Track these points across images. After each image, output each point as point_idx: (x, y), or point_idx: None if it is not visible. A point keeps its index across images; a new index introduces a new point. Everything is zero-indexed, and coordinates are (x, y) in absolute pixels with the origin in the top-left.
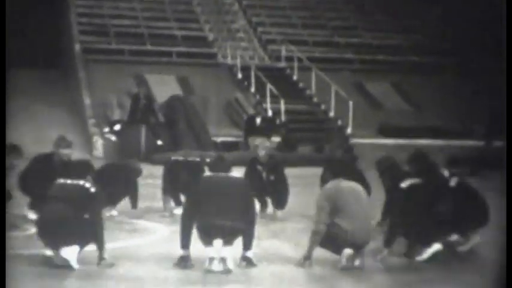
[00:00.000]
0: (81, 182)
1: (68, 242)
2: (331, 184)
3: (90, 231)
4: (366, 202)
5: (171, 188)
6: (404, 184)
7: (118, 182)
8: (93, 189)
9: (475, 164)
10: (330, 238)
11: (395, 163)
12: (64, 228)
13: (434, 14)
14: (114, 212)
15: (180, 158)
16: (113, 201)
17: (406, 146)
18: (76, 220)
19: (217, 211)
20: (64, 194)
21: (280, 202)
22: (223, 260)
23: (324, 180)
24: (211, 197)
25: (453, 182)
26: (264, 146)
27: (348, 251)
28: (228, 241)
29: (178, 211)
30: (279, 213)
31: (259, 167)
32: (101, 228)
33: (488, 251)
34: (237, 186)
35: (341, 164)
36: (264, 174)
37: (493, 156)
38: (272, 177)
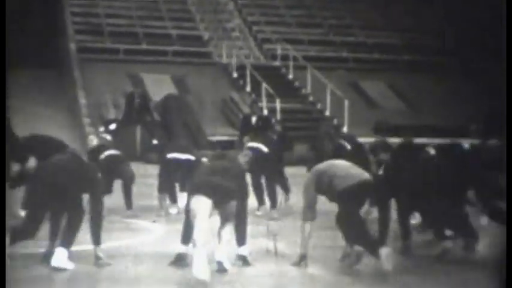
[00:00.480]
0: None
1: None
2: (316, 166)
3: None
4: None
5: (167, 186)
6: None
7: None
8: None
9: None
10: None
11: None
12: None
13: (429, 12)
14: None
15: (176, 156)
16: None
17: None
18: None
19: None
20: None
21: (271, 202)
22: (219, 263)
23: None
24: (210, 176)
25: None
26: (244, 154)
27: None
28: (218, 202)
29: (174, 210)
30: (275, 213)
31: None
32: (99, 224)
33: (489, 251)
34: (236, 167)
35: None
36: (258, 172)
37: (490, 154)
38: (266, 173)
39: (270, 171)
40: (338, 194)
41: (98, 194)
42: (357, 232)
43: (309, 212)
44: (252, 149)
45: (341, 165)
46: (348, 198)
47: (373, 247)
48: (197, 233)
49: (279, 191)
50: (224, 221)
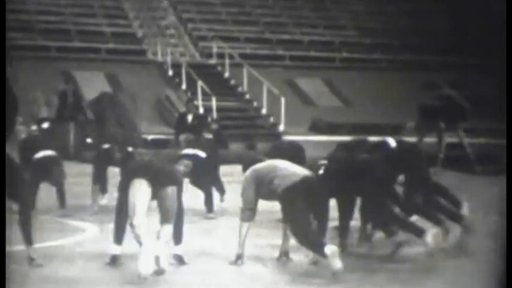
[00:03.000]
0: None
1: None
2: (253, 167)
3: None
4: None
5: (100, 176)
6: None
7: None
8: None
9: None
10: None
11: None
12: None
13: (364, 9)
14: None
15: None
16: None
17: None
18: None
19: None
20: None
21: (207, 203)
22: (156, 258)
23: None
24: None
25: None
26: (185, 164)
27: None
28: (158, 186)
29: (104, 200)
30: (211, 214)
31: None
32: (29, 225)
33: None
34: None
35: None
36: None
37: (425, 151)
38: (200, 174)
39: (206, 176)
40: (281, 193)
41: (24, 195)
42: (303, 232)
43: (248, 212)
44: (188, 156)
45: (282, 164)
46: (292, 197)
47: (319, 247)
48: (139, 229)
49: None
50: (164, 219)
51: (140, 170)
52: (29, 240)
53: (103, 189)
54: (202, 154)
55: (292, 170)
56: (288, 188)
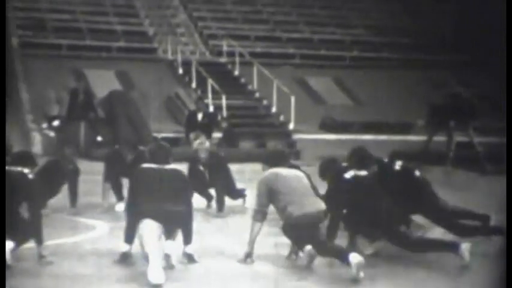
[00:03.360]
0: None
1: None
2: (269, 171)
3: (28, 228)
4: (307, 182)
5: (112, 175)
6: (348, 175)
7: (56, 180)
8: (31, 176)
9: (417, 159)
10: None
11: (335, 160)
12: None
13: (374, 8)
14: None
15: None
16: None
17: (348, 141)
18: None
19: (155, 199)
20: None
21: (219, 205)
22: (166, 256)
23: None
24: (149, 188)
25: (397, 166)
26: (204, 148)
27: (308, 248)
28: (168, 229)
29: (120, 207)
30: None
31: (201, 167)
32: (40, 224)
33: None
34: (174, 178)
35: (280, 155)
36: (207, 174)
37: (435, 150)
38: (214, 177)
39: (220, 175)
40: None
41: (34, 196)
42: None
43: (260, 213)
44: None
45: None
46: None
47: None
48: (149, 252)
49: None
50: (168, 237)
51: (150, 214)
52: (39, 239)
53: (119, 197)
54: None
55: (298, 180)
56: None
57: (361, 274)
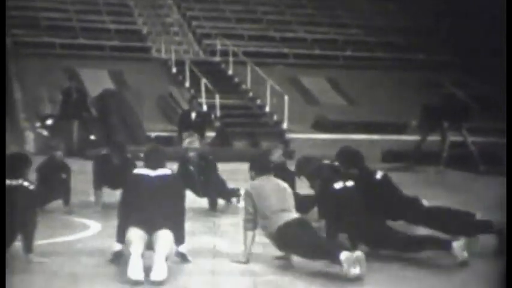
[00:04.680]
0: (20, 181)
1: None
2: (252, 184)
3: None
4: (288, 193)
5: (101, 181)
6: (337, 185)
7: (51, 182)
8: (32, 187)
9: (410, 159)
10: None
11: (310, 159)
12: None
13: (369, 7)
14: None
15: (112, 153)
16: (43, 202)
17: (341, 141)
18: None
19: (145, 208)
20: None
21: (212, 205)
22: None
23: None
24: (140, 196)
25: (379, 175)
26: (193, 147)
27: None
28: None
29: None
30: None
31: (191, 168)
32: (33, 227)
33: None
34: (166, 185)
35: (264, 164)
36: (196, 175)
37: (428, 150)
38: (203, 178)
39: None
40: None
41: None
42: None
43: (250, 222)
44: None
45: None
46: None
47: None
48: (131, 251)
49: None
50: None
51: (136, 219)
52: (29, 249)
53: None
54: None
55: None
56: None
57: (354, 270)
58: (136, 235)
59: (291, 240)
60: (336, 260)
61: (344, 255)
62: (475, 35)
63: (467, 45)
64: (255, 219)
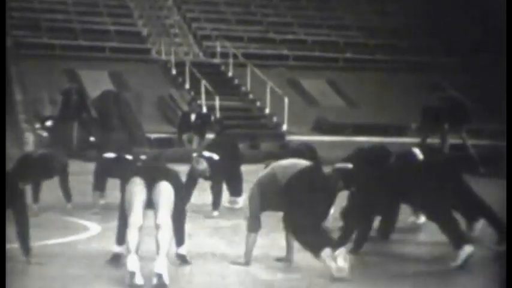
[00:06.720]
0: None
1: None
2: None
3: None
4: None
5: (102, 184)
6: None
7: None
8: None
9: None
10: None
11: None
12: None
13: (368, 9)
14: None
15: (112, 155)
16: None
17: (341, 143)
18: None
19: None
20: None
21: (215, 205)
22: (158, 275)
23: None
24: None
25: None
26: (200, 161)
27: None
28: (150, 181)
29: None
30: (215, 212)
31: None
32: (27, 226)
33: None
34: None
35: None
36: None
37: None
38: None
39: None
40: (283, 189)
41: (20, 207)
42: (303, 228)
43: (254, 222)
44: (205, 157)
45: (282, 162)
46: (295, 189)
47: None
48: (130, 234)
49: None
50: (160, 220)
51: (135, 170)
52: (26, 251)
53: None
54: (216, 157)
55: (291, 163)
56: (289, 181)
57: (335, 265)
58: (135, 187)
59: (297, 194)
60: (317, 254)
61: (326, 252)
62: (475, 36)
63: (467, 47)
64: (259, 216)
